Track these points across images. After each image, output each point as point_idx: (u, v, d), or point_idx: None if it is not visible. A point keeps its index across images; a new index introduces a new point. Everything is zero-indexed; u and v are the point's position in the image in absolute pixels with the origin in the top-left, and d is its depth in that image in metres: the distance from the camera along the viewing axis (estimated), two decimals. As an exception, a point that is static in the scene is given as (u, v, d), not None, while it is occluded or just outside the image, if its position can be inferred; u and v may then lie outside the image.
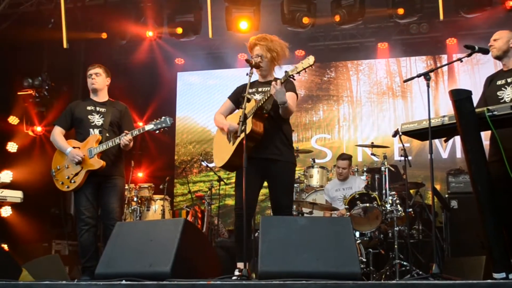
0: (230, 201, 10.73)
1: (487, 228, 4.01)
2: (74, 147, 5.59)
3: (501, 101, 4.74)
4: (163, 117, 5.52)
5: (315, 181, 8.27)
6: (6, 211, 8.76)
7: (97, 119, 5.69)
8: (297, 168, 8.86)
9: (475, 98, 4.30)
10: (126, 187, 8.04)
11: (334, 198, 7.57)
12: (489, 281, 3.66)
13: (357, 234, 6.66)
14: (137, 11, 9.59)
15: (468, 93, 4.13)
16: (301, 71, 4.52)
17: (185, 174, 11.37)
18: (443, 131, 4.46)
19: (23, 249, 8.52)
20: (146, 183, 9.11)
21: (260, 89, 4.98)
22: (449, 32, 10.41)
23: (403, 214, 6.76)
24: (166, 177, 9.36)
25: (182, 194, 11.37)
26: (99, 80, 5.80)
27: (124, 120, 5.82)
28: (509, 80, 4.82)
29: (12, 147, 9.85)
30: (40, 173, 8.29)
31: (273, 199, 4.94)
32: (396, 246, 6.49)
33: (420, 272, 6.24)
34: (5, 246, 7.86)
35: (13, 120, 9.96)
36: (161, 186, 9.05)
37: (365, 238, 6.68)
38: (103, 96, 5.86)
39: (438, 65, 10.68)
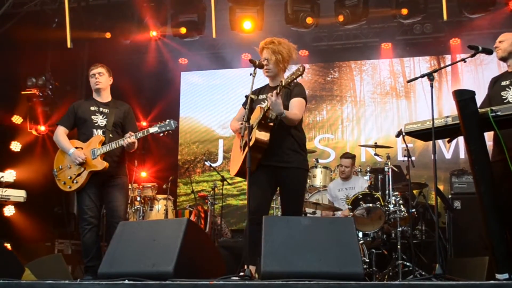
0: (233, 201, 10.74)
1: (490, 228, 4.00)
2: (76, 147, 5.59)
3: (505, 101, 4.73)
4: (168, 120, 5.50)
5: (318, 181, 8.27)
6: (9, 211, 8.78)
7: (100, 120, 5.68)
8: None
9: (479, 99, 4.29)
10: (130, 186, 8.05)
11: (336, 197, 7.57)
12: (492, 282, 3.65)
13: (360, 234, 6.65)
14: (141, 11, 9.59)
15: (472, 93, 4.13)
16: (291, 81, 4.48)
17: (188, 174, 11.37)
18: (446, 132, 4.45)
19: (26, 248, 8.54)
20: (149, 183, 9.14)
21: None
22: (452, 33, 10.40)
23: (406, 214, 6.75)
24: (169, 177, 9.37)
25: (185, 194, 11.37)
26: (102, 79, 5.78)
27: (127, 121, 5.81)
28: (513, 80, 4.82)
29: (15, 146, 9.86)
30: (43, 173, 8.30)
31: (283, 205, 4.95)
32: (399, 246, 6.49)
33: (423, 273, 6.25)
34: (8, 245, 7.87)
35: (16, 119, 9.98)
36: (164, 186, 9.07)
37: (368, 239, 6.68)
38: (106, 96, 5.85)
39: (442, 65, 10.67)
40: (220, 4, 9.03)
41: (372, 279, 6.44)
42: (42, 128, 10.09)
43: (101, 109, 5.73)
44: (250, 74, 4.69)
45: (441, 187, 9.25)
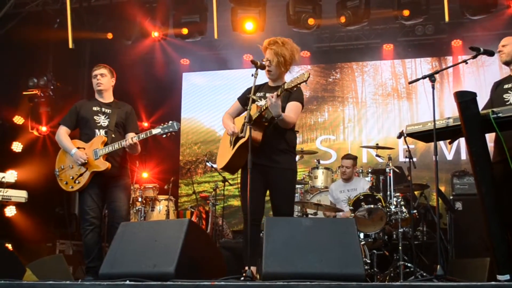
0: (235, 202, 10.73)
1: (492, 229, 4.00)
2: (79, 148, 5.59)
3: (507, 104, 4.73)
4: (170, 122, 5.49)
5: (319, 182, 8.27)
6: (11, 211, 8.77)
7: (102, 120, 5.68)
8: (301, 169, 8.88)
9: (480, 100, 4.29)
10: (131, 187, 8.05)
11: (338, 199, 7.57)
12: (493, 283, 3.64)
13: (362, 235, 6.64)
14: (143, 11, 9.59)
15: (473, 95, 4.13)
16: (295, 86, 4.46)
17: (190, 174, 11.38)
18: (448, 133, 4.45)
19: (27, 249, 8.53)
20: (150, 184, 9.14)
21: (268, 94, 4.85)
22: (454, 34, 10.40)
23: (408, 215, 6.74)
24: (171, 177, 9.37)
25: (187, 195, 11.37)
26: (104, 80, 5.78)
27: (129, 121, 5.82)
28: (516, 83, 4.82)
29: (17, 146, 9.85)
30: (45, 173, 8.29)
31: (273, 207, 4.90)
32: (400, 247, 6.48)
33: (424, 274, 6.24)
34: (9, 246, 7.86)
35: (18, 119, 9.97)
36: (165, 187, 9.06)
37: (370, 240, 6.67)
38: (108, 97, 5.85)
39: (443, 66, 10.65)
40: (222, 5, 9.03)
41: (373, 280, 6.43)
42: (44, 128, 10.09)
43: (103, 109, 5.73)
44: (252, 75, 4.68)
45: (442, 188, 9.25)
